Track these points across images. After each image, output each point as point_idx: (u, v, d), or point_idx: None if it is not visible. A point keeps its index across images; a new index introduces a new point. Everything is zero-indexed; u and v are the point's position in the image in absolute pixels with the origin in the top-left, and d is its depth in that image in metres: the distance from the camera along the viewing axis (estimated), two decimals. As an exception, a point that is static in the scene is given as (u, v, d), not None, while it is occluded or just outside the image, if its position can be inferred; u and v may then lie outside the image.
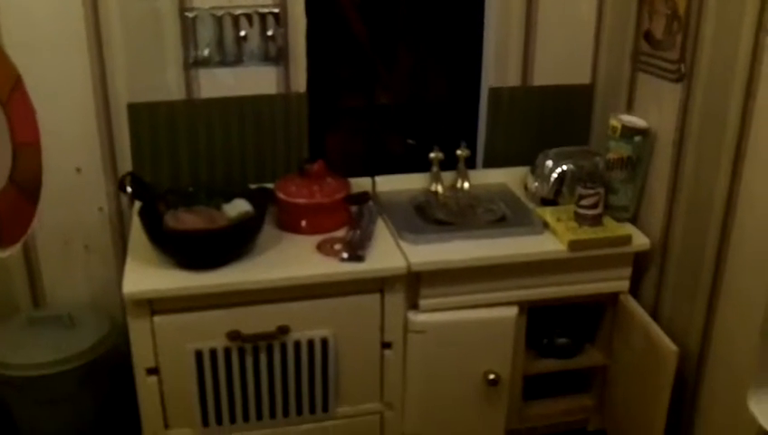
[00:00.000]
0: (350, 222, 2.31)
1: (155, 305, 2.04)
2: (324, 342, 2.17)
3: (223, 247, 2.08)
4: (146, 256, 2.12)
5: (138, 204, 2.20)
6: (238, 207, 2.15)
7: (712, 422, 2.16)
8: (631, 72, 2.44)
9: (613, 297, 2.40)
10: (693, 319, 2.20)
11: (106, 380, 2.38)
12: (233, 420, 2.20)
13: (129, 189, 2.16)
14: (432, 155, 2.50)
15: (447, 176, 2.56)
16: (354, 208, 2.36)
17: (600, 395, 2.54)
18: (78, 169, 2.41)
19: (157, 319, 2.05)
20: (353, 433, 2.32)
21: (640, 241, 2.31)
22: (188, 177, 2.46)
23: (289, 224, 2.29)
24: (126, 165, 2.43)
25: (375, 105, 2.97)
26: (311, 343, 2.16)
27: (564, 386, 2.59)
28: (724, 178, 2.05)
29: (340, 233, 2.27)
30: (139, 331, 2.06)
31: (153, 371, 2.11)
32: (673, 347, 2.14)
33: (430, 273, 2.18)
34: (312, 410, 2.25)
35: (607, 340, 2.47)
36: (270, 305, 2.11)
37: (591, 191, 2.26)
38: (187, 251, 2.05)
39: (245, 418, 2.21)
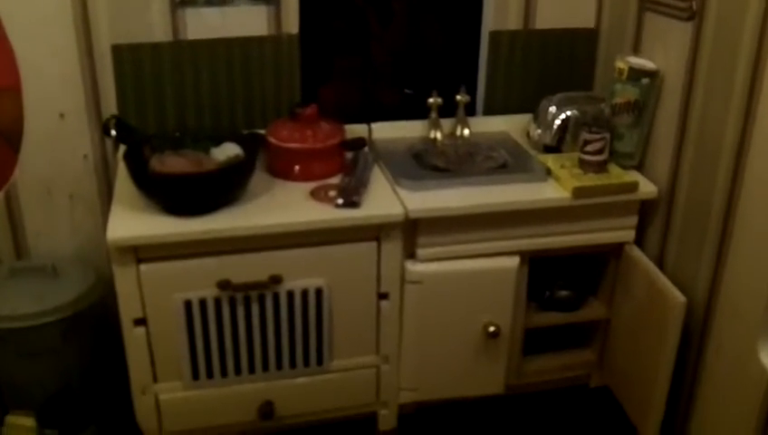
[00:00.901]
0: (345, 169, 2.22)
1: (141, 253, 1.95)
2: (318, 292, 2.08)
3: (212, 192, 1.98)
4: (132, 203, 2.03)
5: (122, 148, 2.10)
6: (227, 150, 2.05)
7: (719, 376, 2.09)
8: (638, 12, 2.33)
9: (617, 248, 2.31)
10: (700, 269, 2.12)
11: (91, 333, 2.29)
12: (224, 373, 2.12)
13: (113, 132, 2.07)
14: (430, 101, 2.41)
15: (446, 123, 2.46)
16: (349, 155, 2.27)
17: (602, 350, 2.47)
18: (61, 115, 2.31)
19: (143, 267, 1.96)
20: (348, 387, 2.25)
21: (647, 189, 2.22)
22: (175, 122, 2.36)
23: (281, 170, 2.19)
24: (111, 110, 2.31)
25: (370, 59, 2.86)
26: (304, 293, 2.08)
27: (565, 341, 2.53)
28: (734, 121, 1.96)
29: (335, 180, 2.18)
30: (124, 279, 1.97)
31: (140, 322, 2.03)
32: (681, 297, 2.06)
33: (428, 220, 2.09)
34: (307, 364, 2.17)
35: (610, 293, 2.39)
36: (262, 254, 2.02)
37: (597, 136, 2.17)
38: (175, 196, 1.96)
39: (237, 371, 2.13)
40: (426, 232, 2.12)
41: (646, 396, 2.21)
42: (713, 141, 2.04)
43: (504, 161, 2.33)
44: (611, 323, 2.41)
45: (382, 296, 2.16)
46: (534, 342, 2.43)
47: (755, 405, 1.92)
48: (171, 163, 1.99)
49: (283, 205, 2.07)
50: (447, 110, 2.46)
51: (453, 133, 2.44)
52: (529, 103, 2.49)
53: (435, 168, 2.29)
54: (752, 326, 1.94)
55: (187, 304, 2.02)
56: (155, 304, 2.01)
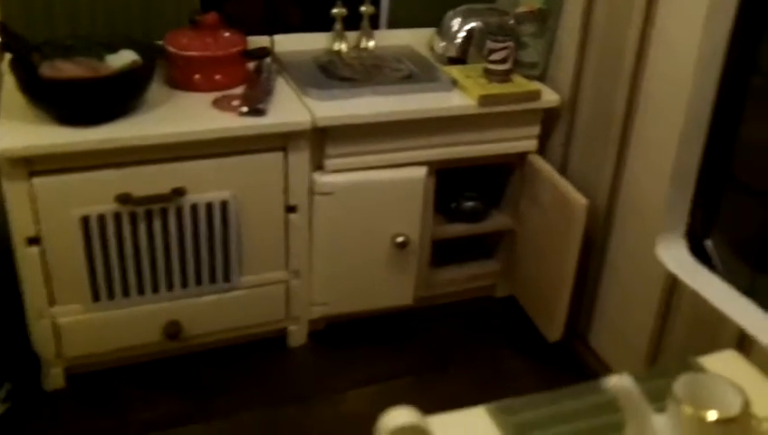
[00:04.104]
0: (248, 79, 2.15)
1: (33, 165, 1.85)
2: (224, 205, 2.03)
3: (108, 99, 1.89)
4: (21, 114, 1.91)
5: (8, 57, 1.97)
6: (124, 57, 1.95)
7: (621, 274, 2.16)
8: None
9: (521, 158, 2.34)
10: (602, 173, 2.17)
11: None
12: (126, 293, 2.05)
13: (-3, 39, 1.94)
14: (335, 11, 2.35)
15: (351, 36, 2.41)
16: (252, 65, 2.20)
17: (508, 260, 2.52)
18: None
19: (36, 180, 1.86)
20: (258, 304, 2.22)
21: (550, 97, 2.25)
22: (66, 32, 2.20)
23: (181, 80, 2.10)
24: (-6, 19, 2.17)
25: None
26: (209, 206, 2.02)
27: (472, 253, 2.56)
28: (635, 27, 1.99)
29: (238, 90, 2.11)
30: (15, 194, 1.86)
31: (34, 240, 1.93)
32: (582, 199, 2.11)
33: (336, 129, 2.06)
34: (213, 280, 2.12)
35: (514, 203, 2.43)
36: (163, 165, 1.95)
37: (501, 45, 2.17)
38: (68, 103, 1.85)
39: (140, 290, 2.06)
40: (333, 142, 2.08)
41: (550, 300, 2.27)
42: (614, 49, 2.07)
43: (410, 72, 2.31)
44: (517, 233, 2.45)
45: (290, 209, 2.13)
46: (442, 253, 2.45)
47: (654, 298, 2.00)
48: (64, 69, 1.88)
49: (184, 114, 1.99)
50: (351, 22, 2.41)
51: (358, 45, 2.40)
52: (434, 17, 2.46)
53: (341, 78, 2.25)
54: (650, 224, 2.01)
55: (85, 220, 1.93)
56: (50, 221, 1.92)
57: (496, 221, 2.47)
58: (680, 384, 0.98)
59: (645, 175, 2.02)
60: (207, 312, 2.16)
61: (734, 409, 0.94)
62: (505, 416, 1.19)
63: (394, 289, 2.32)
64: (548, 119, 2.33)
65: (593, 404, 1.20)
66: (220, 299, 2.16)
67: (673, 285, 1.96)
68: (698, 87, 1.83)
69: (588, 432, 1.16)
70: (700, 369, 1.23)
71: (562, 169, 2.32)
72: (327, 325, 2.39)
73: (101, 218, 1.94)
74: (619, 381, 0.97)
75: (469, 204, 2.41)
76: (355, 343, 2.38)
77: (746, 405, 0.94)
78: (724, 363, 1.25)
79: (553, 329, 2.27)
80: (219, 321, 2.20)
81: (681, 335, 1.97)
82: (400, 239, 2.21)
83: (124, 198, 1.93)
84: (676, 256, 2.00)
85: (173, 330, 2.12)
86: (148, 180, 1.94)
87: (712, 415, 0.93)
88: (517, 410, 1.21)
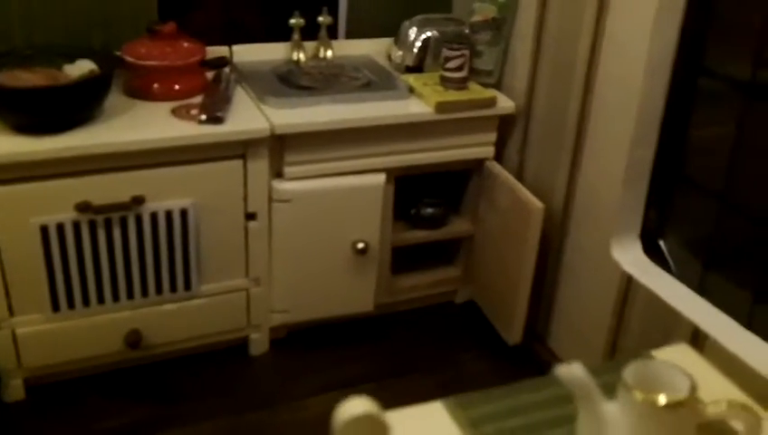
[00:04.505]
0: (207, 88, 2.16)
1: (-8, 174, 1.84)
2: (184, 213, 2.04)
3: (66, 108, 1.89)
4: (-22, 123, 1.91)
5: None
6: (82, 66, 1.96)
7: (578, 275, 2.21)
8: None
9: (479, 164, 2.39)
10: (557, 177, 2.22)
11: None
12: (86, 302, 2.04)
13: (-48, 49, 1.93)
14: (293, 21, 2.37)
15: (309, 46, 2.44)
16: (211, 74, 2.22)
17: (468, 266, 2.55)
18: None
19: (-6, 190, 1.86)
20: (218, 312, 2.22)
21: (505, 104, 2.30)
22: (24, 42, 2.20)
23: (140, 90, 2.11)
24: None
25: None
26: (169, 214, 2.02)
27: (433, 259, 2.59)
28: (586, 34, 2.04)
29: (197, 100, 2.12)
30: (-27, 204, 1.86)
31: (-8, 250, 1.92)
32: (538, 204, 2.15)
33: (294, 136, 2.08)
34: (174, 289, 2.13)
35: (473, 209, 2.46)
36: (122, 174, 1.95)
37: (457, 53, 2.21)
38: (27, 112, 1.86)
39: (100, 299, 2.06)
40: (292, 150, 2.10)
41: (509, 303, 2.30)
42: (567, 55, 2.12)
43: (368, 81, 2.34)
44: (476, 239, 2.49)
45: (250, 217, 2.14)
46: (403, 260, 2.48)
47: (611, 297, 2.04)
48: (22, 78, 1.88)
49: (143, 123, 2.00)
50: (309, 33, 2.43)
51: (316, 55, 2.43)
52: (391, 27, 2.49)
53: (300, 87, 2.27)
54: (605, 226, 2.05)
55: (44, 230, 1.92)
56: (8, 231, 1.91)
57: (456, 227, 2.51)
58: (630, 371, 1.01)
59: (599, 178, 2.07)
60: (168, 320, 2.16)
61: (683, 393, 0.97)
62: (462, 410, 1.21)
63: (355, 296, 2.34)
64: (504, 125, 2.37)
65: (548, 397, 1.23)
66: (181, 307, 2.16)
67: (628, 285, 2.01)
68: (648, 89, 1.89)
69: (543, 424, 1.18)
70: (652, 361, 1.27)
71: (519, 175, 2.36)
72: (288, 333, 2.40)
73: (61, 227, 1.93)
74: (569, 369, 1.00)
75: (429, 210, 2.44)
76: (316, 351, 2.39)
77: (694, 389, 0.97)
78: (675, 356, 1.28)
79: (513, 332, 2.31)
80: (180, 329, 2.20)
81: (637, 333, 2.02)
82: (360, 246, 2.23)
83: (83, 207, 1.92)
84: (630, 256, 2.05)
85: (134, 339, 2.12)
86: (108, 189, 1.94)
87: (661, 399, 0.96)
88: (473, 404, 1.23)
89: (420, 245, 2.49)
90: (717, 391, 1.13)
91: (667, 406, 0.96)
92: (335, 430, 0.94)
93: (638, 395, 0.97)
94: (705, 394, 1.00)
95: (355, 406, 0.95)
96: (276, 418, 2.13)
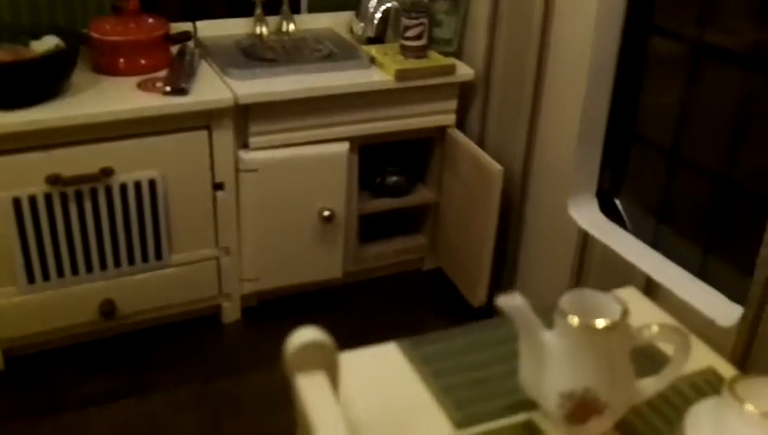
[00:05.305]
0: (171, 63, 2.21)
1: (-39, 149, 1.89)
2: (152, 183, 2.09)
3: (33, 82, 1.93)
4: (-54, 100, 1.95)
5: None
6: (48, 42, 2.00)
7: (539, 236, 2.28)
8: None
9: (441, 132, 2.45)
10: (516, 141, 2.28)
11: None
12: (60, 273, 2.09)
13: None
14: (255, -6, 2.43)
15: (272, 21, 2.49)
16: (175, 49, 2.26)
17: (434, 234, 2.62)
18: None
19: (-36, 164, 1.90)
20: (190, 281, 2.28)
21: (464, 71, 2.36)
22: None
23: (106, 65, 2.16)
24: None
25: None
26: (137, 185, 2.08)
27: (400, 229, 2.65)
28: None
29: (162, 74, 2.16)
30: (-56, 178, 1.90)
31: (-35, 225, 1.97)
32: (498, 166, 2.22)
33: (258, 106, 2.13)
34: (145, 259, 2.18)
35: (437, 177, 2.53)
36: (91, 146, 2.00)
37: (415, 21, 2.27)
38: (-7, 87, 1.90)
39: (74, 271, 2.11)
40: (257, 120, 2.16)
41: (473, 266, 2.37)
42: (522, 21, 2.18)
43: (330, 52, 2.39)
44: (440, 207, 2.55)
45: (218, 187, 2.19)
46: (371, 229, 2.54)
47: (569, 255, 2.11)
48: (-12, 54, 1.92)
49: (110, 97, 2.04)
50: (272, 8, 2.48)
51: (279, 29, 2.48)
52: (352, 0, 2.55)
53: (263, 60, 2.32)
54: (561, 186, 2.12)
55: (17, 202, 1.97)
56: (-20, 205, 1.96)
57: (420, 195, 2.57)
58: (566, 299, 1.08)
59: (556, 139, 2.14)
60: (141, 290, 2.21)
61: (615, 317, 1.04)
62: (414, 349, 1.28)
63: (323, 263, 2.40)
64: (465, 93, 2.43)
65: (499, 336, 1.29)
66: (153, 277, 2.21)
67: (585, 241, 2.08)
68: (598, 48, 1.95)
69: (493, 359, 1.25)
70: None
71: (480, 142, 2.43)
72: (260, 302, 2.46)
73: (33, 200, 1.98)
74: (509, 299, 1.06)
75: (393, 179, 2.50)
76: (287, 318, 2.44)
77: (626, 313, 1.04)
78: (624, 297, 1.36)
79: (477, 294, 2.37)
80: (153, 298, 2.25)
81: (594, 287, 2.09)
82: (326, 213, 2.29)
83: (54, 179, 1.97)
84: (587, 215, 2.12)
85: (108, 308, 2.17)
86: (77, 161, 1.99)
87: (596, 323, 1.02)
88: (426, 343, 1.30)
89: (387, 214, 2.56)
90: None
91: (601, 329, 1.02)
92: (287, 356, 1.01)
93: (574, 320, 1.04)
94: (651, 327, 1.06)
95: (305, 334, 1.02)
96: (247, 382, 2.18)
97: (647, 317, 1.09)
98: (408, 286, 2.63)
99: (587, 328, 1.03)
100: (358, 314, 2.50)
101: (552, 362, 1.06)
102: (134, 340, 2.29)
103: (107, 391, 2.12)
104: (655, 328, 1.07)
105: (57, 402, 2.08)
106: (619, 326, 1.03)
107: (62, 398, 2.09)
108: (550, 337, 1.08)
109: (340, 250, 2.40)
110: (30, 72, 1.92)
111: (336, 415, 0.94)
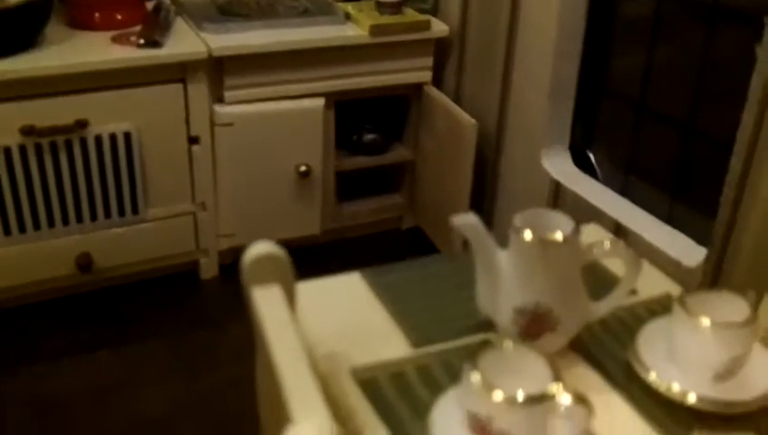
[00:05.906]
0: (147, 18, 2.22)
1: (-66, 99, 1.90)
2: (127, 136, 2.10)
3: (6, 33, 1.94)
4: None
5: None
6: (20, -6, 2.01)
7: (512, 187, 2.31)
8: None
9: (417, 89, 2.46)
10: (491, 96, 2.30)
11: None
12: (36, 226, 2.11)
13: None
14: (230, -47, 2.44)
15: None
16: (151, 4, 2.27)
17: (412, 193, 2.64)
18: None
19: (-63, 114, 1.91)
20: (167, 236, 2.29)
21: (439, 27, 2.38)
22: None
23: (81, 20, 2.17)
24: None
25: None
26: (113, 137, 2.09)
27: (378, 187, 2.67)
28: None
29: (137, 29, 2.17)
30: None
31: (-61, 176, 1.98)
32: (471, 120, 2.24)
33: (232, 59, 2.14)
34: (122, 213, 2.19)
35: (414, 136, 2.54)
36: (66, 97, 2.01)
37: (391, -23, 2.29)
38: (-35, 36, 1.91)
39: (50, 223, 2.12)
40: (231, 74, 2.17)
41: (449, 221, 2.38)
42: (496, -23, 2.20)
43: (306, 8, 2.39)
44: (417, 166, 2.57)
45: (193, 141, 2.20)
46: (349, 188, 2.56)
47: (542, 206, 2.13)
48: (-41, 3, 1.93)
49: (85, 49, 2.05)
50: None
51: (254, -13, 2.49)
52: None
53: (238, 15, 2.33)
54: (535, 139, 2.15)
55: (-9, 154, 1.99)
56: (-45, 156, 1.97)
57: (397, 153, 2.59)
58: (519, 217, 1.10)
59: (529, 93, 2.16)
60: (118, 244, 2.23)
61: (567, 232, 1.06)
62: (377, 277, 1.30)
63: (301, 219, 2.42)
64: (440, 50, 2.45)
65: (461, 266, 1.32)
66: (129, 231, 2.23)
67: (557, 192, 2.10)
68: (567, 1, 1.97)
69: (453, 287, 1.27)
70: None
71: (457, 98, 2.44)
72: (237, 259, 2.47)
73: (7, 151, 1.99)
74: (463, 217, 1.08)
75: (370, 136, 2.51)
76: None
77: (577, 229, 1.06)
78: (587, 233, 1.38)
79: (453, 249, 2.39)
80: (130, 253, 2.26)
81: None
82: (303, 169, 2.30)
83: (28, 130, 1.98)
84: (559, 166, 2.14)
85: (85, 262, 2.18)
86: (52, 112, 2.00)
87: (548, 236, 1.05)
88: (389, 272, 1.32)
89: (365, 173, 2.58)
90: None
91: (553, 242, 1.05)
92: (243, 270, 1.03)
93: (527, 234, 1.06)
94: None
95: (261, 247, 1.03)
96: (223, 333, 2.20)
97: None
98: (386, 245, 2.65)
99: (539, 242, 1.05)
100: (336, 271, 2.50)
101: (506, 278, 1.08)
102: (113, 295, 2.31)
103: (82, 342, 2.14)
104: (606, 244, 1.09)
105: (30, 353, 2.09)
106: (571, 241, 1.05)
107: (35, 348, 2.11)
108: (504, 255, 1.10)
109: (318, 206, 2.42)
110: (3, 22, 1.92)
111: (289, 322, 0.96)
